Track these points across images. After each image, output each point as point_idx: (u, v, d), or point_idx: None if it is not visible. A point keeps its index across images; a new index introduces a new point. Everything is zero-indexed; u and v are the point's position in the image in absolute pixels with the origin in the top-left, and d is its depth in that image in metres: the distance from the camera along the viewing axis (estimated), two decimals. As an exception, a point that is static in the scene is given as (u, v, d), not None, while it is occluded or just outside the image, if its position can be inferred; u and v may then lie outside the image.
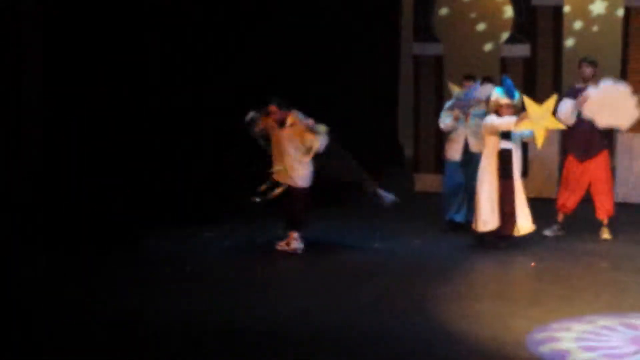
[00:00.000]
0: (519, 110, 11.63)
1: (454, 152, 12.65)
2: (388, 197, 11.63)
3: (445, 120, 12.58)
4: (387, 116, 17.22)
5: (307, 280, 10.74)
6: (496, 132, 11.55)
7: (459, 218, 12.69)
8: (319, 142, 11.42)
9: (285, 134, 11.49)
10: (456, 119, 12.44)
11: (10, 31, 11.07)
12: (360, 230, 12.35)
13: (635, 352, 8.14)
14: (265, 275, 10.78)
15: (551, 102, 11.45)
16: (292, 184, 11.52)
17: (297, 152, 11.49)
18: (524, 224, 11.72)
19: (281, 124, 11.49)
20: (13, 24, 11.08)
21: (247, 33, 14.03)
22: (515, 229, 11.71)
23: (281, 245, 11.60)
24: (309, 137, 11.46)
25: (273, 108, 11.47)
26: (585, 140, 12.16)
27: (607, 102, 11.98)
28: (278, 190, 11.46)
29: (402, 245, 11.99)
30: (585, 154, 12.22)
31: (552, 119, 11.48)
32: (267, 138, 11.60)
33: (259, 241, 11.96)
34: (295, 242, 11.56)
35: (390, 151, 17.01)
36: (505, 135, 11.60)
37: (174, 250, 11.67)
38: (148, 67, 12.71)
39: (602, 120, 12.04)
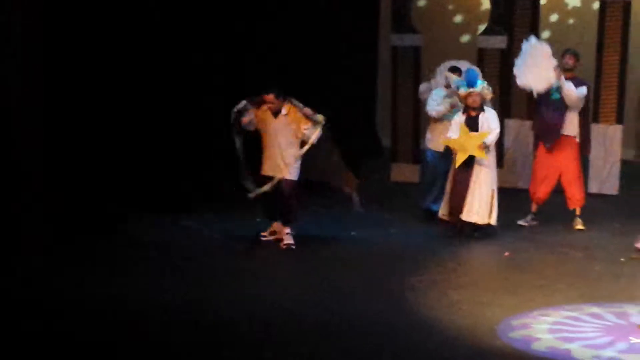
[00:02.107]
0: (487, 98, 11.86)
1: (439, 143, 12.69)
2: (357, 204, 11.58)
3: (439, 108, 12.64)
4: (365, 106, 17.25)
5: (284, 270, 10.81)
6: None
7: (437, 208, 12.74)
8: (316, 132, 11.26)
9: (280, 124, 11.27)
10: (454, 107, 12.49)
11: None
12: (338, 220, 12.40)
13: (610, 342, 8.24)
14: (244, 264, 10.79)
15: (463, 128, 11.71)
16: (284, 176, 11.28)
17: (290, 144, 11.27)
18: (482, 214, 11.78)
19: (275, 114, 11.29)
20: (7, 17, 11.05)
21: (227, 24, 14.04)
22: (463, 217, 11.79)
23: (284, 242, 11.42)
24: (306, 126, 11.24)
25: (271, 97, 11.18)
26: (552, 124, 12.25)
27: (530, 63, 12.11)
28: (268, 186, 11.29)
29: (379, 235, 12.03)
30: (553, 139, 12.29)
31: (475, 137, 11.67)
32: (254, 130, 11.35)
33: (239, 230, 11.95)
34: (289, 237, 11.34)
35: (368, 141, 17.04)
36: (472, 128, 11.75)
37: (155, 239, 11.65)
38: (129, 54, 12.70)
39: (522, 80, 12.15)
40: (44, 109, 11.47)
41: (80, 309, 8.93)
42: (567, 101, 12.08)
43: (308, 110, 11.24)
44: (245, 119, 11.29)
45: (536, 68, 12.01)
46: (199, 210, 12.80)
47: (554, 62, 12.03)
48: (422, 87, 13.32)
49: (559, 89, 12.07)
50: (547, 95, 12.21)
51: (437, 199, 12.63)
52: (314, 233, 11.58)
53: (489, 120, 11.79)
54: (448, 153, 12.30)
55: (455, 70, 12.57)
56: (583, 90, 12.17)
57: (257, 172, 11.39)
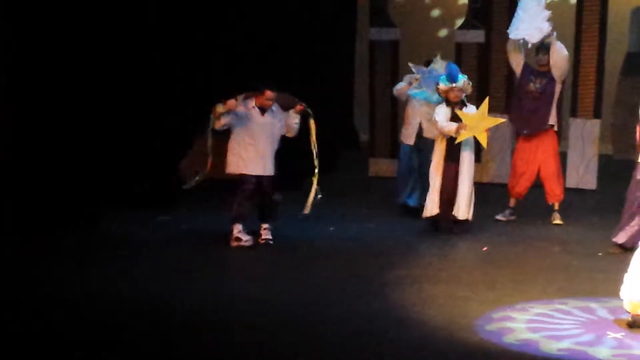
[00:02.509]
0: (467, 93, 11.83)
1: (408, 137, 12.70)
2: (309, 206, 11.44)
3: (397, 86, 12.64)
4: (342, 100, 17.21)
5: (261, 264, 10.75)
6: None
7: (412, 202, 12.72)
8: (297, 128, 11.20)
9: (266, 121, 11.12)
10: (410, 83, 12.51)
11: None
12: (315, 214, 12.37)
13: (588, 336, 8.23)
14: (221, 259, 10.76)
15: (485, 106, 11.62)
16: (266, 173, 11.16)
17: (274, 141, 11.16)
18: (462, 209, 11.76)
19: (262, 110, 11.12)
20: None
21: (202, 19, 13.95)
22: (454, 213, 11.76)
23: (263, 239, 11.23)
24: (294, 121, 11.16)
25: (269, 93, 11.03)
26: (529, 110, 12.25)
27: (524, 16, 12.13)
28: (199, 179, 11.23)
29: (357, 230, 12.01)
30: (531, 128, 12.29)
31: (488, 120, 11.63)
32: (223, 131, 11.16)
33: (214, 225, 11.85)
34: (268, 232, 11.23)
35: (345, 135, 17.01)
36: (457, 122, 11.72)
37: (130, 233, 11.60)
38: (104, 50, 12.60)
39: (515, 33, 12.19)
40: (17, 104, 11.41)
41: (57, 306, 8.84)
42: (556, 59, 12.06)
43: (302, 104, 11.19)
44: (226, 120, 11.02)
45: (529, 18, 12.10)
46: (175, 205, 12.73)
47: (547, 12, 12.09)
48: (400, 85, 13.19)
49: (537, 76, 12.09)
50: (525, 84, 12.20)
51: (412, 193, 12.62)
52: (291, 228, 11.51)
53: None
54: (421, 148, 12.30)
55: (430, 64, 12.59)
56: (563, 50, 12.21)
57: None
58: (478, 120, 11.55)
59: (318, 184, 11.41)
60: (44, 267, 10.06)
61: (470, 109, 11.76)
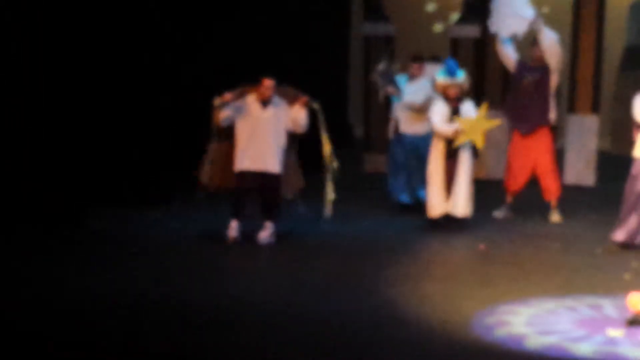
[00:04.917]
0: (465, 89, 11.72)
1: (390, 131, 12.75)
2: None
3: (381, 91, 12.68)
4: (336, 96, 17.12)
5: (255, 262, 10.66)
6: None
7: (406, 199, 12.64)
8: (305, 122, 10.92)
9: (269, 114, 10.87)
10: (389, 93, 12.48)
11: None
12: (310, 211, 12.26)
13: (585, 335, 8.13)
14: (213, 257, 10.64)
15: (483, 110, 11.56)
16: (269, 169, 10.88)
17: (279, 135, 10.89)
18: (462, 207, 11.62)
19: (264, 103, 10.85)
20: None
21: (200, 20, 13.83)
22: (451, 210, 11.63)
23: (263, 237, 10.98)
24: (300, 115, 10.89)
25: (269, 82, 10.76)
26: (525, 106, 12.13)
27: (505, 11, 12.05)
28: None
29: (352, 227, 11.93)
30: (527, 125, 12.18)
31: (486, 122, 11.57)
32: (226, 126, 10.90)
33: (206, 223, 11.75)
34: (271, 233, 10.99)
35: (340, 131, 16.90)
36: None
37: (121, 231, 11.50)
38: (106, 49, 12.48)
39: (504, 31, 12.10)
40: (17, 104, 11.34)
41: (54, 305, 8.75)
42: (547, 46, 11.93)
43: (306, 97, 10.97)
44: (226, 113, 10.78)
45: (512, 11, 12.01)
46: (167, 203, 12.61)
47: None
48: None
49: (531, 72, 11.97)
50: (520, 80, 12.08)
51: (405, 190, 12.53)
52: (286, 226, 11.37)
53: (470, 111, 11.61)
54: (401, 140, 12.23)
55: (417, 59, 12.50)
56: (552, 35, 12.09)
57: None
58: (476, 124, 11.45)
59: (333, 181, 11.25)
60: (39, 266, 9.94)
61: (467, 105, 11.59)
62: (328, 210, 11.30)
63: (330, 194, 11.27)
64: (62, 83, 12.05)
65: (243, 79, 11.13)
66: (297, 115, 10.94)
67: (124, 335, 8.04)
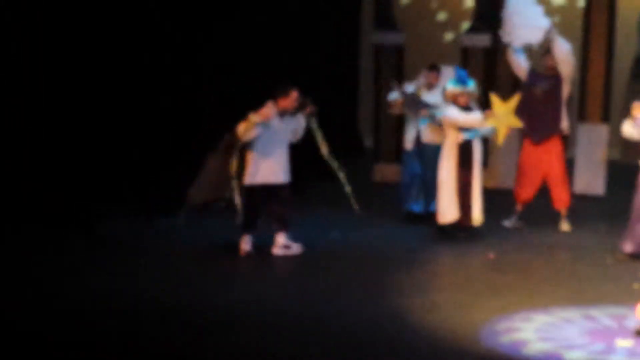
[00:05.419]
0: (475, 98, 11.74)
1: (408, 142, 12.63)
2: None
3: (391, 97, 12.56)
4: (346, 105, 17.12)
5: (264, 269, 10.66)
6: (457, 125, 11.52)
7: (417, 208, 12.63)
8: (302, 130, 10.87)
9: (285, 125, 10.74)
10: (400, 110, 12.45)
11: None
12: (319, 220, 12.27)
13: (585, 344, 8.13)
14: (222, 263, 10.66)
15: (514, 100, 11.52)
16: (281, 180, 10.78)
17: (287, 146, 10.79)
18: (477, 215, 11.66)
19: (282, 114, 10.71)
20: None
21: (206, 24, 13.83)
22: (471, 219, 11.64)
23: (278, 250, 10.92)
24: (302, 124, 10.83)
25: (296, 94, 10.67)
26: (537, 116, 12.10)
27: (518, 21, 12.02)
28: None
29: (361, 236, 11.89)
30: (539, 133, 12.16)
31: (514, 118, 11.54)
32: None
33: (215, 229, 11.72)
34: (282, 245, 10.92)
35: (350, 141, 16.91)
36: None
37: (123, 231, 11.56)
38: (104, 52, 12.49)
39: (517, 40, 12.08)
40: (16, 104, 11.34)
41: (59, 306, 8.81)
42: (560, 56, 11.92)
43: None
44: (257, 131, 10.52)
45: (526, 20, 11.99)
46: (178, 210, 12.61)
47: (540, 8, 12.06)
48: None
49: (543, 81, 11.95)
50: (532, 89, 12.07)
51: (417, 200, 12.50)
52: (295, 235, 11.36)
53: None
54: (422, 153, 12.17)
55: (434, 68, 12.46)
56: (565, 44, 12.06)
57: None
58: (506, 112, 11.45)
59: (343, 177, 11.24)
60: (39, 266, 10.01)
61: (475, 113, 11.59)
62: (354, 205, 11.27)
63: (347, 187, 11.26)
64: (62, 83, 12.08)
65: (243, 79, 11.14)
66: (300, 125, 10.95)
67: (124, 335, 8.09)
